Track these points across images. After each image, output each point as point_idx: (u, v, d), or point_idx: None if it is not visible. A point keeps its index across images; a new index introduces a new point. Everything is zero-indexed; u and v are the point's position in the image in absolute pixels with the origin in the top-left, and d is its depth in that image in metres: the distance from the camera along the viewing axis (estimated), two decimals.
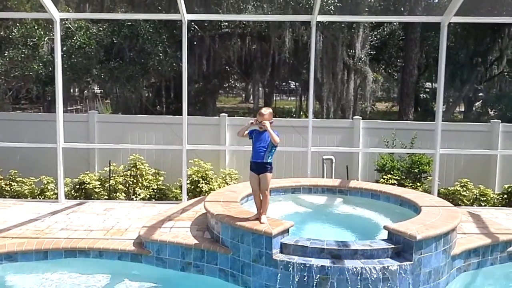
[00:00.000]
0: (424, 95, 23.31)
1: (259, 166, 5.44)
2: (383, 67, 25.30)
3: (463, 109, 25.13)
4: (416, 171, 9.87)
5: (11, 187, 9.66)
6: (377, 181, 9.91)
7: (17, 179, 9.85)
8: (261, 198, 5.41)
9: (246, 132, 5.62)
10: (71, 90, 21.59)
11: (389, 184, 9.27)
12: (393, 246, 4.92)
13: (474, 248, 5.63)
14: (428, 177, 9.78)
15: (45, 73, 12.84)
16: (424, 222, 5.27)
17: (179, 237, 5.82)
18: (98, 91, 23.66)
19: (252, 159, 5.53)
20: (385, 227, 5.16)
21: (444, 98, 18.61)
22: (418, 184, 9.59)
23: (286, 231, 5.13)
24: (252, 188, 5.57)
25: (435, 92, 22.95)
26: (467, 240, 5.78)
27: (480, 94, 22.91)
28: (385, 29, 22.43)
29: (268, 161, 5.45)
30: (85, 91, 19.78)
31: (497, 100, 21.49)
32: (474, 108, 23.29)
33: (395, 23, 21.44)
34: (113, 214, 7.63)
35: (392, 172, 9.75)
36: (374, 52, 20.80)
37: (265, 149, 5.42)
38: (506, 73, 23.15)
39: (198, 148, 9.13)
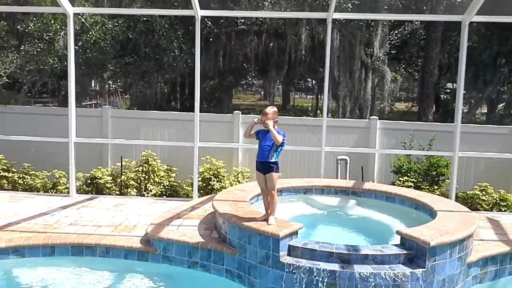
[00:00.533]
0: (445, 96, 22.83)
1: (264, 166, 5.35)
2: (403, 66, 24.90)
3: (485, 111, 24.59)
4: (434, 173, 9.62)
5: (24, 180, 9.74)
6: (393, 183, 9.70)
7: (30, 172, 9.92)
8: (269, 198, 5.30)
9: (252, 132, 5.51)
10: (92, 85, 21.75)
11: (405, 186, 9.05)
12: (406, 252, 4.76)
13: (492, 256, 5.42)
14: (446, 180, 9.53)
15: (60, 67, 12.90)
16: (439, 228, 5.09)
17: (186, 235, 5.74)
18: (118, 86, 23.83)
19: (257, 158, 5.44)
20: (397, 232, 4.99)
21: (465, 99, 18.17)
22: (436, 187, 9.35)
23: (295, 233, 5.01)
24: (260, 188, 5.47)
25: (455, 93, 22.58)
26: (484, 247, 5.57)
27: (504, 96, 22.34)
28: (406, 28, 22.06)
29: (273, 160, 5.34)
30: (101, 86, 19.87)
31: None
32: (496, 110, 22.72)
33: (416, 22, 21.06)
34: (123, 210, 7.61)
35: (408, 174, 9.52)
36: (395, 51, 20.49)
37: (269, 148, 5.32)
38: None
39: (210, 146, 9.05)
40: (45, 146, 10.35)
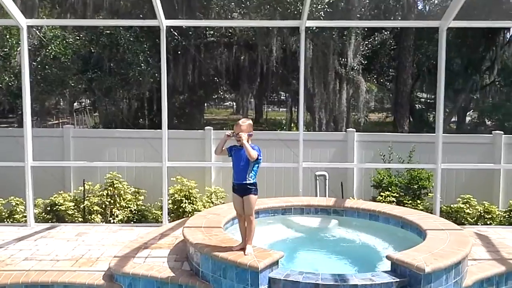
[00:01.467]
0: (419, 105, 22.95)
1: (242, 188, 4.92)
2: (375, 76, 24.98)
3: (455, 119, 24.84)
4: (416, 187, 9.36)
5: None
6: (374, 198, 9.41)
7: None
8: (246, 224, 4.85)
9: (224, 148, 5.08)
10: (61, 102, 20.93)
11: (387, 202, 8.77)
12: (398, 279, 4.37)
13: (488, 278, 5.09)
14: (429, 194, 9.28)
15: (17, 85, 12.23)
16: (431, 250, 4.74)
17: (154, 269, 5.22)
18: (87, 104, 23.01)
19: (233, 180, 5.00)
20: (388, 257, 4.61)
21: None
22: (418, 201, 9.09)
23: (275, 263, 4.56)
24: (236, 212, 5.02)
25: (430, 102, 22.74)
26: (479, 268, 5.24)
27: (476, 104, 22.65)
28: (376, 38, 22.16)
29: (251, 181, 4.92)
30: (69, 104, 19.10)
31: (494, 109, 21.20)
32: (470, 118, 23.00)
33: (386, 32, 21.14)
34: (86, 240, 7.01)
35: (390, 189, 9.24)
36: (366, 62, 20.46)
37: (245, 168, 4.89)
38: (497, 82, 22.90)
39: (180, 165, 8.55)
40: (1, 170, 9.62)
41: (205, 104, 33.59)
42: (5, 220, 8.77)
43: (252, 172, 4.91)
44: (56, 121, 23.51)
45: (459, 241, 5.06)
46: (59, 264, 5.93)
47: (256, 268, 4.34)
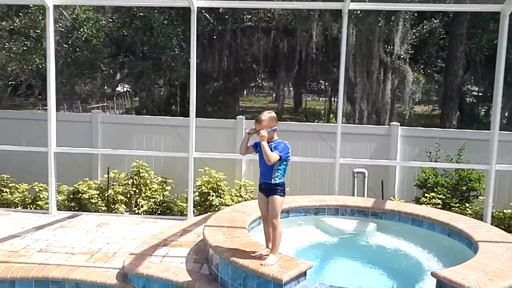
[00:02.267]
0: (470, 99, 21.65)
1: (267, 187, 4.47)
2: (421, 67, 23.84)
3: (506, 115, 23.34)
4: (464, 188, 8.62)
5: (1, 194, 8.92)
6: (417, 199, 8.74)
7: (10, 185, 9.11)
8: (270, 229, 4.38)
9: (249, 144, 4.60)
10: (108, 87, 21.06)
11: (432, 204, 8.09)
12: None
13: None
14: (479, 197, 8.52)
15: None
16: (485, 268, 4.14)
17: (170, 271, 4.85)
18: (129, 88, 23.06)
19: (260, 178, 4.55)
20: (433, 274, 4.04)
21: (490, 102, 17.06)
22: (467, 204, 8.35)
23: (303, 274, 4.09)
24: (261, 213, 4.58)
25: (481, 96, 21.42)
26: None
27: None
28: (425, 26, 21.05)
29: (278, 181, 4.44)
30: (104, 88, 19.09)
31: None
32: None
33: (435, 20, 19.99)
34: (105, 232, 6.77)
35: (435, 190, 8.54)
36: (412, 51, 19.48)
37: (271, 167, 4.41)
38: None
39: (208, 157, 8.16)
40: (28, 155, 9.51)
41: (244, 91, 33.26)
42: (28, 206, 8.66)
43: (278, 171, 4.44)
44: (97, 105, 23.76)
45: None
46: (74, 258, 5.68)
47: (280, 280, 3.88)
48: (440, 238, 5.67)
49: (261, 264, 4.08)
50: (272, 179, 4.41)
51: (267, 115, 4.44)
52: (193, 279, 4.66)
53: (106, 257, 5.73)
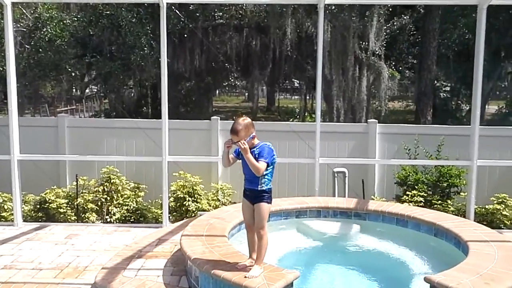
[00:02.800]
0: (443, 94, 21.88)
1: (253, 194, 4.20)
2: (393, 64, 24.01)
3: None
4: (445, 185, 8.57)
5: None
6: (398, 197, 8.65)
7: None
8: (256, 238, 4.12)
9: (231, 155, 4.32)
10: (76, 89, 20.29)
11: (414, 202, 8.01)
12: None
13: None
14: (460, 193, 8.49)
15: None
16: (478, 271, 4.00)
17: (146, 286, 4.56)
18: (98, 90, 22.39)
19: (245, 185, 4.29)
20: (426, 280, 3.88)
21: (467, 97, 17.17)
22: (449, 201, 8.30)
23: (289, 286, 3.86)
24: (245, 221, 4.32)
25: (454, 91, 21.67)
26: None
27: (504, 92, 21.59)
28: (395, 23, 21.21)
29: (265, 188, 4.17)
30: (73, 91, 18.46)
31: None
32: (497, 108, 21.92)
33: (405, 17, 20.13)
34: (75, 244, 6.41)
35: (416, 187, 8.46)
36: (384, 49, 19.56)
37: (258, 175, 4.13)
38: None
39: (182, 160, 7.86)
40: None
41: (217, 91, 32.89)
42: None
43: (265, 177, 4.16)
44: (65, 108, 23.07)
45: (510, 258, 4.30)
46: (41, 274, 5.32)
47: None
48: (426, 239, 5.54)
49: (245, 277, 3.83)
50: (259, 186, 4.14)
51: (242, 123, 4.06)
52: None
53: (76, 272, 5.38)
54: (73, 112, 23.60)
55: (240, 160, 4.27)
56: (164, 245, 5.92)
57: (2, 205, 8.26)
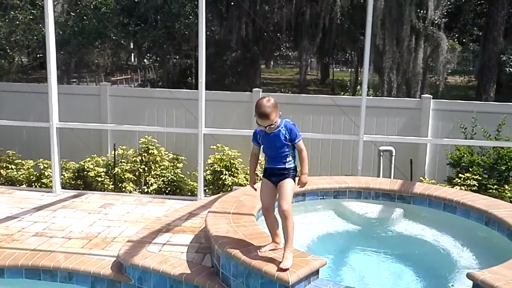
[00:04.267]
0: (510, 69, 20.37)
1: (280, 172, 3.90)
2: (456, 36, 22.58)
3: None
4: (503, 168, 7.93)
5: (6, 171, 8.68)
6: (450, 180, 8.10)
7: (16, 161, 8.87)
8: (280, 220, 3.85)
9: (255, 147, 4.12)
10: (131, 59, 20.59)
11: (467, 185, 7.46)
12: None
13: None
14: None
15: (57, 38, 11.75)
16: None
17: (168, 263, 4.44)
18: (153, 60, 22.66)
19: (266, 165, 3.99)
20: (469, 276, 3.49)
21: None
22: (506, 186, 7.68)
23: (314, 273, 3.59)
24: (262, 204, 4.01)
25: None
26: None
27: None
28: None
29: (292, 165, 3.91)
30: (131, 61, 18.59)
31: None
32: None
33: None
34: (109, 213, 6.42)
35: (471, 169, 7.87)
36: (447, 19, 18.36)
37: (282, 153, 3.87)
38: None
39: (218, 133, 7.67)
40: (37, 131, 9.22)
41: (271, 63, 32.41)
42: (33, 184, 8.40)
43: (292, 155, 3.92)
44: (120, 77, 23.53)
45: None
46: (69, 243, 5.34)
47: (286, 282, 3.39)
48: (476, 227, 5.08)
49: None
50: (287, 163, 3.88)
51: (269, 104, 3.73)
52: (192, 273, 4.24)
53: (104, 242, 5.36)
54: (128, 81, 24.06)
55: (258, 147, 4.05)
56: (193, 220, 5.79)
57: (43, 171, 8.46)
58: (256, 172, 4.16)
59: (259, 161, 4.40)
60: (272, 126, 3.76)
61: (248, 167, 8.48)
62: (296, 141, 3.85)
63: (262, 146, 4.02)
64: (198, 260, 4.55)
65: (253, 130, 4.01)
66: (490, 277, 3.39)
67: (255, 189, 4.17)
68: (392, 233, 5.22)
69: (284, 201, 3.79)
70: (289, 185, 3.85)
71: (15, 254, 4.97)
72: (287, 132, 3.83)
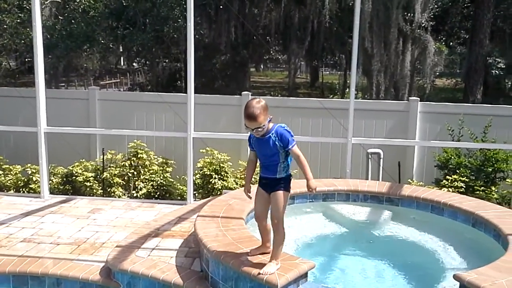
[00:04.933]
0: (496, 71, 20.60)
1: (271, 183, 3.77)
2: (443, 39, 22.78)
3: None
4: (490, 170, 8.02)
5: None
6: (438, 181, 8.18)
7: (3, 166, 8.81)
8: (271, 228, 3.80)
9: (250, 152, 3.94)
10: (121, 62, 20.47)
11: (454, 187, 7.53)
12: None
13: None
14: (507, 180, 7.93)
15: (44, 42, 11.68)
16: None
17: (157, 267, 4.43)
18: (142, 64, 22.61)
19: (260, 173, 3.88)
20: (456, 277, 3.53)
21: None
22: (493, 188, 7.77)
23: (303, 276, 3.61)
24: (255, 212, 3.95)
25: (510, 68, 20.41)
26: None
27: None
28: None
29: (283, 175, 3.75)
30: (121, 64, 18.53)
31: None
32: None
33: None
34: (97, 218, 6.38)
35: (458, 171, 7.96)
36: (434, 22, 18.55)
37: (276, 160, 3.72)
38: None
39: (208, 136, 7.67)
40: (25, 136, 9.15)
41: (261, 66, 32.42)
42: (21, 189, 8.33)
43: (285, 163, 3.75)
44: (109, 81, 23.41)
45: None
46: (58, 249, 5.30)
47: (275, 285, 3.41)
48: (463, 229, 5.13)
49: (259, 273, 3.50)
50: (277, 174, 3.73)
51: (258, 106, 3.55)
52: (181, 277, 4.23)
53: (93, 248, 5.33)
54: (117, 85, 23.94)
55: (253, 151, 3.91)
56: (183, 224, 5.78)
57: (31, 177, 8.41)
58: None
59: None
60: (259, 130, 3.58)
61: (238, 171, 8.56)
62: (290, 147, 3.63)
63: (256, 151, 3.87)
64: (187, 265, 4.54)
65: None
66: (476, 278, 3.43)
67: (250, 197, 4.01)
68: (380, 235, 5.25)
69: (276, 214, 3.70)
70: (280, 198, 3.72)
71: (2, 260, 4.92)
72: (277, 138, 3.63)
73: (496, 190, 7.77)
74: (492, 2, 16.05)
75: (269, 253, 3.80)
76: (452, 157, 8.24)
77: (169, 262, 4.60)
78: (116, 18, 12.40)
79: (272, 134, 3.67)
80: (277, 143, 3.65)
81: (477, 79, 16.32)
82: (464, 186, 7.66)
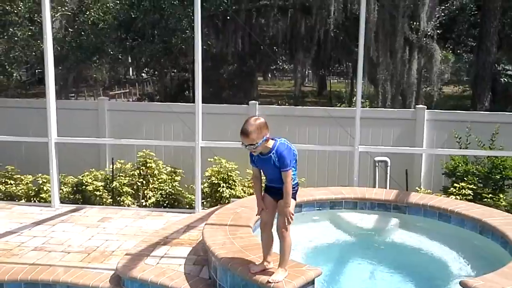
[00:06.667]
0: (504, 79, 20.49)
1: (277, 192, 3.79)
2: (451, 47, 22.77)
3: None
4: (498, 177, 8.00)
5: (5, 186, 8.73)
6: (445, 189, 8.17)
7: (15, 176, 8.93)
8: (274, 240, 3.83)
9: (254, 169, 3.98)
10: (130, 73, 20.72)
11: (462, 195, 7.52)
12: None
13: None
14: None
15: (55, 53, 11.87)
16: None
17: (166, 274, 4.48)
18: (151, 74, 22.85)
19: (266, 182, 3.93)
20: (462, 284, 3.54)
21: None
22: (501, 195, 7.75)
23: (310, 283, 3.64)
24: (261, 219, 3.95)
25: None
26: None
27: None
28: (454, 3, 20.01)
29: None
30: (130, 75, 18.70)
31: None
32: None
33: None
34: (107, 227, 6.45)
35: (466, 179, 7.94)
36: (441, 31, 18.57)
37: (279, 175, 3.72)
38: None
39: (215, 145, 7.73)
40: (35, 146, 9.27)
41: (269, 75, 32.57)
42: (32, 198, 8.43)
43: (291, 175, 3.77)
44: (118, 91, 23.65)
45: None
46: (69, 257, 5.37)
47: None
48: (470, 236, 5.14)
49: (268, 281, 3.53)
50: (283, 185, 3.74)
51: (254, 123, 3.62)
52: (190, 285, 4.28)
53: (103, 256, 5.40)
54: (126, 95, 24.19)
55: (257, 168, 3.96)
56: (191, 232, 5.83)
57: (42, 186, 8.52)
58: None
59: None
60: (252, 147, 3.64)
61: (246, 179, 8.61)
62: (285, 169, 3.65)
63: (260, 169, 3.90)
64: (196, 272, 4.59)
65: None
66: (483, 285, 3.44)
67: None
68: (387, 243, 5.26)
69: (282, 223, 3.72)
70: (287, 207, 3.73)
71: (14, 268, 5.00)
72: (276, 158, 3.67)
73: (504, 198, 7.74)
74: (499, 10, 16.05)
75: (269, 270, 3.76)
76: (460, 165, 8.22)
77: (177, 270, 4.65)
78: (125, 29, 12.59)
79: (273, 153, 3.70)
80: (276, 163, 3.70)
81: (484, 87, 16.28)
82: (472, 194, 7.64)
